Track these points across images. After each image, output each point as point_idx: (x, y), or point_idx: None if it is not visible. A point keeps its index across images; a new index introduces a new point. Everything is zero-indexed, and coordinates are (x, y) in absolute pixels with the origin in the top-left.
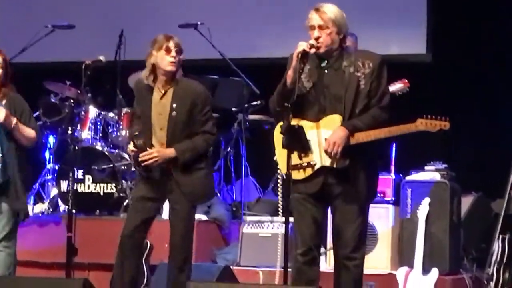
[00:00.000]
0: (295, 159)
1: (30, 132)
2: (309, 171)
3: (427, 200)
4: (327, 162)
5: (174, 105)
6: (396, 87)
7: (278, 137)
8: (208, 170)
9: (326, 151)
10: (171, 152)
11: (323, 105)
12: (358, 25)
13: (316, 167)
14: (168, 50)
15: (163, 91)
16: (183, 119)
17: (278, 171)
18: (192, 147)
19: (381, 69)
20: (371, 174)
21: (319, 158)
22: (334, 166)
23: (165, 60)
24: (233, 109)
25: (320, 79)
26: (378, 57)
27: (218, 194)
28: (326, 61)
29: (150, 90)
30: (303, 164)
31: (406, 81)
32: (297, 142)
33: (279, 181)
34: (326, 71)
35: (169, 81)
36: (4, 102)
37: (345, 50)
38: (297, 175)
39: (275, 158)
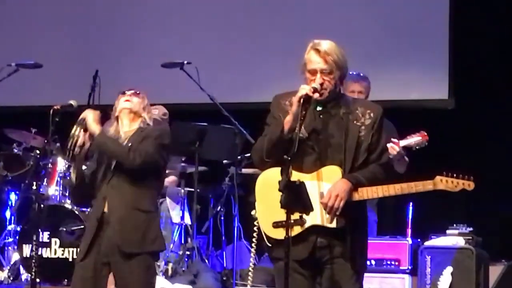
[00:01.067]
0: (279, 214)
1: None
2: (297, 230)
3: (449, 270)
4: (319, 220)
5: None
6: (413, 140)
7: (261, 187)
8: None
9: (325, 206)
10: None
11: (320, 155)
12: (375, 68)
13: (306, 225)
14: (123, 94)
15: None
16: None
17: (255, 228)
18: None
19: (382, 122)
20: (366, 238)
21: (312, 215)
22: (333, 225)
23: (120, 101)
24: (224, 161)
25: (316, 126)
26: (379, 108)
27: (206, 260)
28: (322, 106)
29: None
30: (290, 222)
31: (425, 133)
32: (298, 200)
33: (254, 240)
34: (321, 116)
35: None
36: None
37: (343, 96)
38: (280, 233)
39: (253, 213)
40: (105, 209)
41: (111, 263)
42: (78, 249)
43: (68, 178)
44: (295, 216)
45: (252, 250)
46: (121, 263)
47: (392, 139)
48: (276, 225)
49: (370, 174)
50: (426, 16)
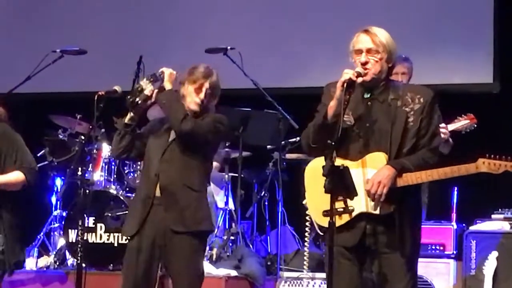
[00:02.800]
0: (327, 202)
1: (12, 178)
2: (345, 218)
3: (494, 254)
4: (368, 207)
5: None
6: (461, 123)
7: (310, 177)
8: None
9: (369, 193)
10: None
11: (366, 142)
12: (418, 52)
13: (354, 213)
14: (199, 88)
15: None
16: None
17: (308, 217)
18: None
19: (433, 106)
20: (417, 224)
21: (358, 203)
22: (378, 212)
23: (191, 97)
24: (268, 146)
25: (362, 112)
26: (430, 92)
27: (251, 245)
28: (370, 92)
29: (162, 124)
30: (338, 210)
31: (473, 116)
32: (342, 185)
33: (307, 229)
34: (369, 103)
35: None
36: None
37: (392, 82)
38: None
39: (304, 202)
40: (157, 188)
41: (162, 245)
42: (125, 226)
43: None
44: (342, 204)
45: (306, 239)
46: (170, 243)
47: (440, 125)
48: (326, 213)
49: (418, 159)
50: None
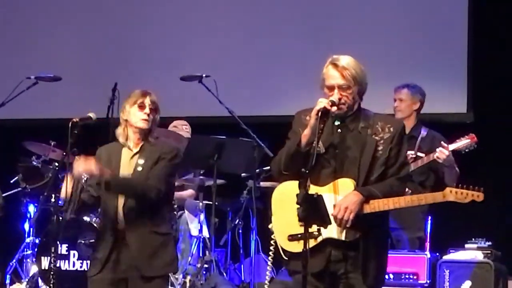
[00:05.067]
0: (294, 227)
1: None
2: (311, 243)
3: (467, 284)
4: (333, 233)
5: (142, 161)
6: (462, 143)
7: (277, 201)
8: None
9: (335, 218)
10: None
11: (336, 168)
12: (394, 82)
13: (320, 238)
14: (141, 107)
15: (134, 150)
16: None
17: (272, 241)
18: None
19: (402, 136)
20: (383, 252)
21: (323, 228)
22: (343, 238)
23: (136, 117)
24: (243, 174)
25: (333, 139)
26: (400, 122)
27: (225, 274)
28: (341, 120)
29: (120, 149)
30: (306, 235)
31: (474, 136)
32: (316, 213)
33: (270, 253)
34: (339, 130)
35: (141, 140)
36: None
37: (363, 110)
38: (295, 246)
39: (270, 226)
40: (121, 225)
41: (128, 280)
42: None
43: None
44: (312, 229)
45: (269, 263)
46: (139, 284)
47: (442, 143)
48: (292, 238)
49: (386, 187)
50: (445, 30)
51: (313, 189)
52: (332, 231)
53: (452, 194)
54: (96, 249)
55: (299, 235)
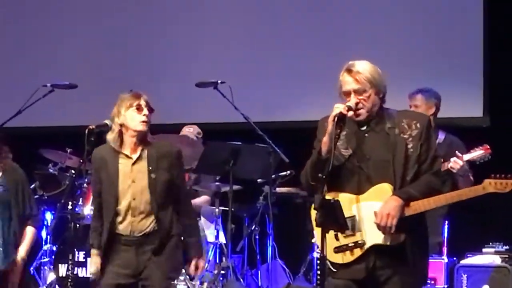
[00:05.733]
0: (340, 239)
1: (30, 240)
2: (357, 253)
3: None
4: (378, 239)
5: (151, 168)
6: (476, 153)
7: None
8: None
9: (378, 226)
10: None
11: (367, 174)
12: (409, 87)
13: (366, 247)
14: (139, 109)
15: (133, 157)
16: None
17: (317, 254)
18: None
19: (430, 129)
20: (425, 254)
21: (367, 236)
22: (388, 243)
23: (135, 120)
24: (259, 180)
25: (361, 145)
26: (424, 116)
27: (242, 280)
28: (366, 124)
29: (116, 154)
30: (349, 245)
31: (488, 147)
32: (333, 219)
33: (318, 266)
34: (366, 135)
35: (138, 144)
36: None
37: (386, 110)
38: (342, 258)
39: (313, 240)
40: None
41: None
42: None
43: None
44: (355, 238)
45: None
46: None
47: (456, 153)
48: (338, 250)
49: (423, 186)
50: (460, 34)
51: (353, 199)
52: (376, 238)
53: (491, 185)
54: (104, 253)
55: (344, 246)
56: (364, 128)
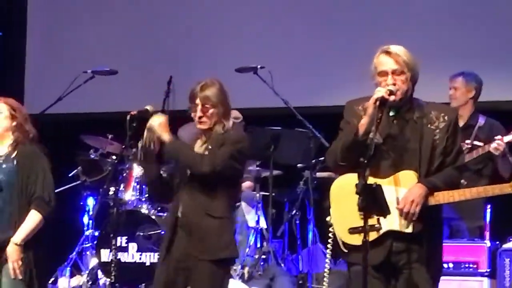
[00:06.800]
0: (355, 220)
1: (31, 226)
2: (372, 236)
3: None
4: (395, 225)
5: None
6: None
7: (336, 194)
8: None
9: (401, 211)
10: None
11: (395, 160)
12: (452, 69)
13: (382, 231)
14: (195, 109)
15: (204, 140)
16: None
17: (330, 234)
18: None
19: (456, 124)
20: (441, 242)
21: (386, 220)
22: (410, 230)
23: (195, 120)
24: (299, 165)
25: (390, 130)
26: (453, 111)
27: (282, 264)
28: (395, 111)
29: (197, 135)
30: (366, 226)
31: None
32: (375, 203)
33: (329, 245)
34: (395, 121)
35: (213, 132)
36: (13, 156)
37: (416, 100)
38: (356, 239)
39: (328, 219)
40: (179, 214)
41: (186, 268)
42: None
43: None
44: (372, 221)
45: (328, 255)
46: (194, 269)
47: (496, 137)
48: (353, 231)
49: (446, 177)
50: (502, 15)
51: (373, 182)
52: (394, 224)
53: None
54: (163, 239)
55: (361, 228)
56: (394, 114)
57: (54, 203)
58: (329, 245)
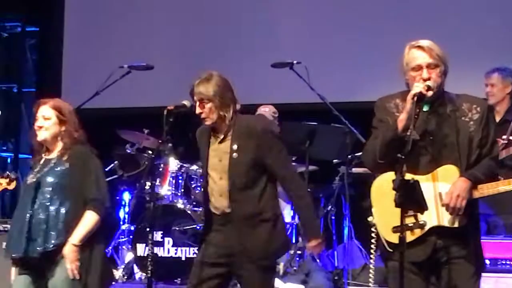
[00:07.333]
0: (398, 218)
1: (89, 227)
2: (417, 233)
3: None
4: (442, 221)
5: (234, 147)
6: None
7: (378, 193)
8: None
9: (447, 206)
10: None
11: (433, 155)
12: (484, 64)
13: (426, 228)
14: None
15: (220, 136)
16: (247, 161)
17: (373, 234)
18: None
19: (490, 115)
20: (479, 238)
21: (430, 217)
22: (456, 225)
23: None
24: (335, 160)
25: (425, 125)
26: (485, 102)
27: (318, 260)
28: (429, 106)
29: (209, 133)
30: (409, 225)
31: None
32: (413, 199)
33: (372, 246)
34: (429, 116)
35: (224, 125)
36: (65, 162)
37: (446, 93)
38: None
39: (370, 219)
40: (228, 209)
41: (230, 265)
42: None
43: None
44: (413, 219)
45: (372, 256)
46: (245, 269)
47: None
48: (396, 229)
49: (485, 169)
50: None
51: (411, 178)
52: (440, 219)
53: None
54: (203, 231)
55: (404, 226)
56: (427, 109)
57: (109, 204)
58: (372, 245)
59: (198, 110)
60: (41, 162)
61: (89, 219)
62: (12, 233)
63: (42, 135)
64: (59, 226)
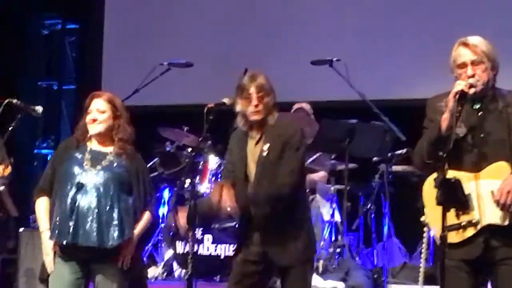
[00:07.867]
0: (451, 218)
1: (144, 225)
2: (470, 232)
3: None
4: (495, 218)
5: (265, 147)
6: None
7: (429, 193)
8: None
9: (497, 203)
10: None
11: (483, 152)
12: None
13: (479, 226)
14: (248, 98)
15: (256, 137)
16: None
17: (424, 234)
18: None
19: None
20: None
21: (483, 215)
22: (505, 223)
23: (249, 110)
24: (374, 158)
25: (475, 123)
26: None
27: (357, 258)
28: (480, 103)
29: (246, 137)
30: (462, 224)
31: None
32: (454, 197)
33: (423, 245)
34: (480, 113)
35: (261, 126)
36: (123, 158)
37: (498, 90)
38: (453, 237)
39: (422, 219)
40: (253, 210)
41: (261, 266)
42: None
43: None
44: (469, 217)
45: (423, 256)
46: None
47: None
48: (450, 228)
49: None
50: None
51: (466, 177)
52: (493, 217)
53: None
54: (243, 230)
55: (457, 225)
56: (478, 106)
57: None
58: (423, 245)
59: (255, 102)
60: (88, 151)
61: (147, 218)
62: (76, 223)
63: (96, 129)
64: (130, 221)
